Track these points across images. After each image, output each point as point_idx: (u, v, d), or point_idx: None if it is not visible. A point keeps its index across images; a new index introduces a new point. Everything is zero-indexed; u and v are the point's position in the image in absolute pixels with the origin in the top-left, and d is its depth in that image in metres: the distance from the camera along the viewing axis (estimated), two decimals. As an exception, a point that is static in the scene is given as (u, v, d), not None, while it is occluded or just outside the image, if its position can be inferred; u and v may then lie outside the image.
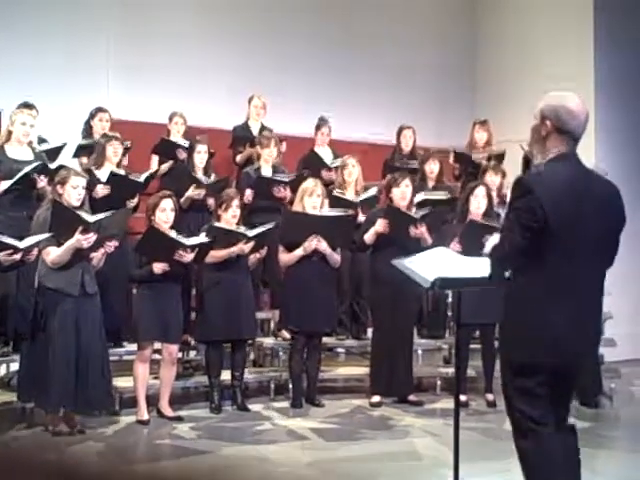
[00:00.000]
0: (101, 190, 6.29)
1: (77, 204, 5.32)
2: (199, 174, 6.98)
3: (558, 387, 3.18)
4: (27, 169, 5.88)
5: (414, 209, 6.54)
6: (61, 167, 5.73)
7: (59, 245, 5.20)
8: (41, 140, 6.76)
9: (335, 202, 6.84)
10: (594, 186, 3.14)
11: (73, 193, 5.30)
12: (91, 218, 5.22)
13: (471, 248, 5.51)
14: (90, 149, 6.90)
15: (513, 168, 7.71)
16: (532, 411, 3.14)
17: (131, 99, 8.60)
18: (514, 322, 3.17)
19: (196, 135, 7.33)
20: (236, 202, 6.19)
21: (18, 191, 5.94)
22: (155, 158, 7.53)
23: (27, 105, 6.68)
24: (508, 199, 3.28)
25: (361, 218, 6.78)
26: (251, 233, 6.09)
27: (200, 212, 6.91)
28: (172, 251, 5.64)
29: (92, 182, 6.29)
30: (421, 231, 6.25)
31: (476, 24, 11.01)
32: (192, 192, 6.86)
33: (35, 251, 5.15)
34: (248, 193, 7.07)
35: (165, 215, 5.80)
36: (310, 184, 6.39)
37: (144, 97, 8.70)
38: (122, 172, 6.54)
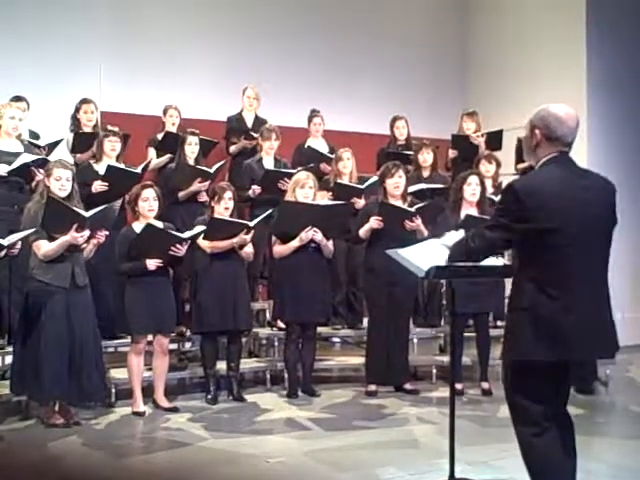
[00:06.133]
0: (99, 186, 6.29)
1: (63, 195, 5.31)
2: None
3: (558, 383, 3.22)
4: (28, 159, 5.89)
5: (409, 198, 6.54)
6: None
7: (50, 238, 5.20)
8: (32, 134, 6.75)
9: (340, 189, 6.88)
10: (587, 186, 3.17)
11: (56, 184, 5.31)
12: (87, 213, 5.23)
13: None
14: (86, 142, 6.88)
15: (506, 157, 7.74)
16: (532, 407, 3.17)
17: (123, 92, 8.60)
18: (515, 320, 3.19)
19: (187, 127, 7.32)
20: (228, 194, 6.18)
21: (17, 183, 5.96)
22: (152, 151, 7.51)
23: (17, 98, 6.69)
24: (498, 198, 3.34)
25: (362, 203, 6.87)
26: (252, 223, 6.10)
27: (194, 203, 6.90)
28: (167, 246, 5.64)
29: (90, 176, 6.32)
30: (417, 224, 6.24)
31: (468, 20, 11.05)
32: (198, 185, 6.85)
33: (18, 245, 5.15)
34: (255, 187, 7.06)
35: (148, 204, 5.80)
36: (302, 176, 6.38)
37: (135, 90, 8.71)
38: (118, 165, 6.53)
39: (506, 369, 3.29)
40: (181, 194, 6.91)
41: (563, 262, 3.07)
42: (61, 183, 5.32)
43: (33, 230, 5.13)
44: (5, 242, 5.00)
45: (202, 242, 6.04)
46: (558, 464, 3.21)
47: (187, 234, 5.79)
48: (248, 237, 6.09)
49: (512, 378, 3.25)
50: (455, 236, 3.55)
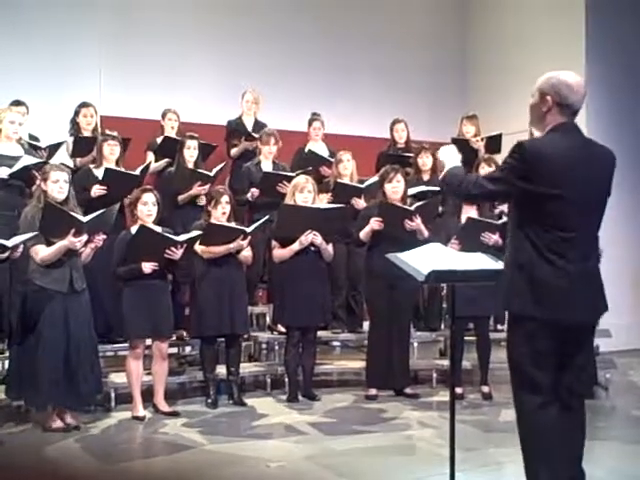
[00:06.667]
0: (98, 190, 6.30)
1: (60, 197, 5.30)
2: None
3: (560, 355, 3.23)
4: (29, 162, 5.89)
5: (409, 201, 6.54)
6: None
7: (47, 243, 5.19)
8: (32, 137, 6.75)
9: (340, 189, 6.89)
10: (592, 154, 3.27)
11: (55, 187, 5.30)
12: (84, 218, 5.22)
13: (470, 245, 5.56)
14: (86, 146, 6.88)
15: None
16: (535, 372, 3.19)
17: (123, 97, 8.61)
18: (510, 275, 3.25)
19: (187, 131, 7.32)
20: (225, 198, 6.17)
21: (17, 187, 5.96)
22: (150, 155, 7.50)
23: (17, 102, 6.69)
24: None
25: (362, 203, 6.92)
26: (249, 229, 6.09)
27: (194, 207, 6.90)
28: (163, 249, 5.63)
29: (90, 181, 6.34)
30: (417, 223, 6.25)
31: (468, 22, 11.07)
32: (198, 188, 6.85)
33: (20, 248, 5.15)
34: (253, 190, 7.06)
35: (147, 208, 5.80)
36: (301, 180, 6.39)
37: (135, 95, 8.71)
38: (117, 168, 6.53)
39: (508, 330, 3.34)
40: (181, 198, 6.92)
41: (562, 228, 3.16)
42: (59, 185, 5.31)
43: (35, 234, 5.12)
44: (9, 243, 5.00)
45: (197, 247, 6.03)
46: (558, 446, 3.18)
47: (182, 237, 5.78)
48: (245, 243, 6.09)
49: (514, 339, 3.28)
50: (453, 154, 3.58)
